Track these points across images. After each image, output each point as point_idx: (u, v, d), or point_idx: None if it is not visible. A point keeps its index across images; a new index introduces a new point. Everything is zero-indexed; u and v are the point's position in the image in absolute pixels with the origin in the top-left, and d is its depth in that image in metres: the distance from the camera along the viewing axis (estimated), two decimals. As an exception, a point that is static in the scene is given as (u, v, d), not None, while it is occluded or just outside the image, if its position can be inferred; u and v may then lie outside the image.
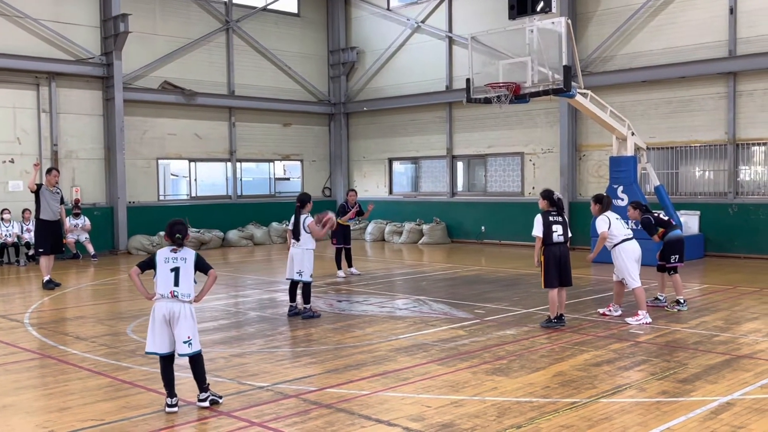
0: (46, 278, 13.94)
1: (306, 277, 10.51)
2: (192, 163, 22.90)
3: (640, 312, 9.82)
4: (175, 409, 6.26)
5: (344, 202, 15.70)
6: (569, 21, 15.08)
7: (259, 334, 9.54)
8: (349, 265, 15.41)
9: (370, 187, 25.71)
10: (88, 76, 20.23)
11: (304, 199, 10.70)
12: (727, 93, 17.73)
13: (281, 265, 17.99)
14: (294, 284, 10.73)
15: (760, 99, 17.34)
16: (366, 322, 10.21)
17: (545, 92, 14.94)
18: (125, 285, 14.85)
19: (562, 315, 9.64)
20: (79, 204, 19.53)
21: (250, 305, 11.93)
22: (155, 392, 6.83)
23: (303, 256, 10.50)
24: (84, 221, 19.24)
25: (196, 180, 23.06)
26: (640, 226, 11.10)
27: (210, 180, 23.63)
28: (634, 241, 10.07)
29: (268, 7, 24.57)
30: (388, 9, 24.84)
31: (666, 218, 11.18)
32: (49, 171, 14.30)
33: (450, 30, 23.07)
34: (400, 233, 23.35)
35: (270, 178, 25.13)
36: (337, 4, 25.92)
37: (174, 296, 6.25)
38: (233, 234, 22.71)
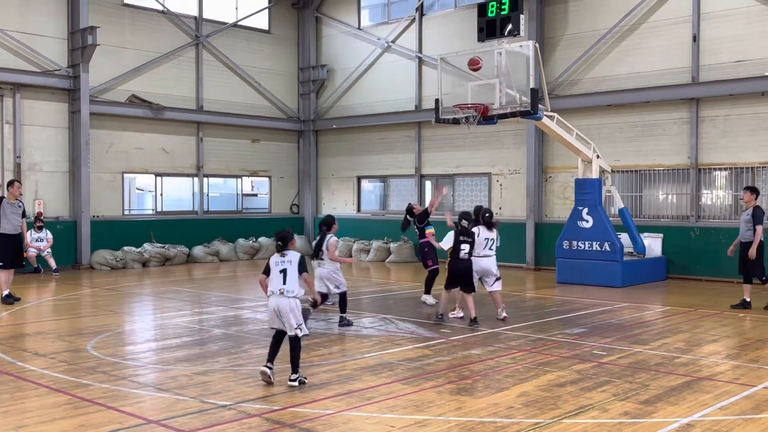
0: (6, 293, 13.66)
1: (343, 288, 11.38)
2: (158, 178, 22.68)
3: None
4: (269, 371, 7.58)
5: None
6: (537, 45, 15.30)
7: (223, 352, 9.44)
8: None
9: (338, 204, 25.69)
10: (54, 88, 19.99)
11: (329, 221, 11.37)
12: (690, 118, 18.10)
13: (246, 281, 17.88)
14: (342, 295, 11.40)
15: (721, 125, 17.72)
16: (332, 341, 10.17)
17: (513, 114, 15.14)
18: (87, 300, 14.62)
19: (476, 317, 11.40)
20: (42, 217, 19.20)
21: (214, 322, 11.81)
22: (115, 410, 6.72)
23: (331, 273, 11.27)
24: (47, 235, 18.90)
25: (162, 195, 22.83)
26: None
27: (176, 195, 23.41)
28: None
29: (239, 23, 24.56)
30: (359, 28, 24.97)
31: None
32: (11, 183, 14.06)
33: (420, 50, 23.25)
34: (368, 251, 23.33)
35: (237, 193, 24.98)
36: (308, 22, 26.00)
37: (282, 293, 7.54)
38: (199, 250, 22.50)
